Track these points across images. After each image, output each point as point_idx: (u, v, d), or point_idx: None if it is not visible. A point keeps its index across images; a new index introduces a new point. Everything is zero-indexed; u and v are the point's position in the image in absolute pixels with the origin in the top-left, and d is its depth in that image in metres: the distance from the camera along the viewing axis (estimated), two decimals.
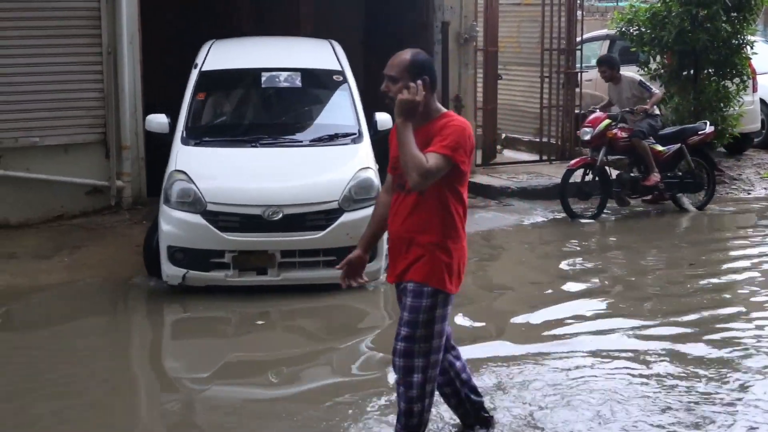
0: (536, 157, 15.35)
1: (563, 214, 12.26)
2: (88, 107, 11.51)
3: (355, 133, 9.73)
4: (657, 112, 12.72)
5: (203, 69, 10.25)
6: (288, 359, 7.64)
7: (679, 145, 12.54)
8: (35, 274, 9.54)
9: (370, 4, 15.86)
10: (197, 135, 9.71)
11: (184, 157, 9.32)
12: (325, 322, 8.55)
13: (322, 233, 8.80)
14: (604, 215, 12.37)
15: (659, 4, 14.75)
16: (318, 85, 10.54)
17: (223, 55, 10.65)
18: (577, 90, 15.53)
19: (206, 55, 10.51)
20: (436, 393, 5.55)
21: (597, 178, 12.27)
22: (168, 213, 8.89)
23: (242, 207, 8.78)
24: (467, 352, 6.61)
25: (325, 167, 9.43)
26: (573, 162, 12.66)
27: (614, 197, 12.56)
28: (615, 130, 12.33)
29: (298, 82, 10.24)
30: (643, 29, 14.84)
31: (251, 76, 10.41)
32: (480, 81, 14.81)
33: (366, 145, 9.64)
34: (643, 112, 12.24)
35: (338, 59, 10.53)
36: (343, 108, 10.10)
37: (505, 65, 15.84)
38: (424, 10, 14.31)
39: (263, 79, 10.21)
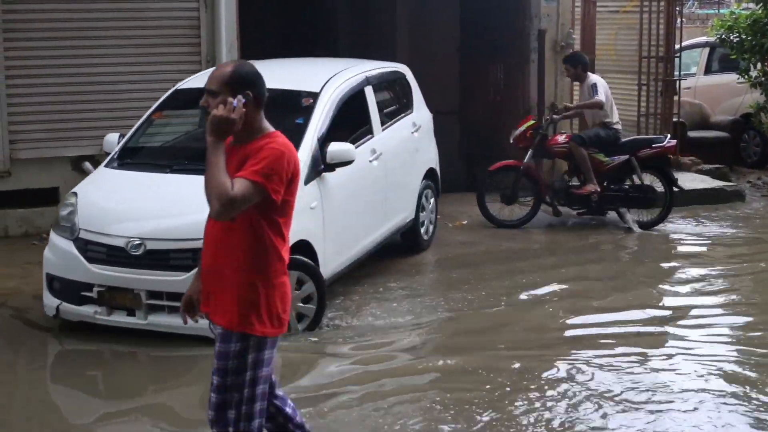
0: None
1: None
2: None
3: None
4: (618, 126, 11.93)
5: (179, 87, 9.68)
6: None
7: (627, 156, 11.72)
8: None
9: (466, 13, 15.91)
10: (125, 157, 8.96)
11: (92, 179, 8.77)
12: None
13: (188, 275, 7.40)
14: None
15: (760, 11, 14.53)
16: (285, 108, 8.80)
17: None
18: (675, 98, 15.33)
19: (200, 74, 9.92)
20: None
21: (515, 183, 11.82)
22: (51, 237, 8.31)
23: (107, 237, 7.89)
24: None
25: None
26: (494, 165, 12.09)
27: (549, 204, 11.99)
28: (556, 135, 12.00)
29: None
30: (744, 36, 14.64)
31: None
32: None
33: None
34: (564, 109, 11.91)
35: (328, 81, 9.24)
36: (292, 134, 8.04)
37: (602, 73, 15.73)
38: (520, 19, 14.31)
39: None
